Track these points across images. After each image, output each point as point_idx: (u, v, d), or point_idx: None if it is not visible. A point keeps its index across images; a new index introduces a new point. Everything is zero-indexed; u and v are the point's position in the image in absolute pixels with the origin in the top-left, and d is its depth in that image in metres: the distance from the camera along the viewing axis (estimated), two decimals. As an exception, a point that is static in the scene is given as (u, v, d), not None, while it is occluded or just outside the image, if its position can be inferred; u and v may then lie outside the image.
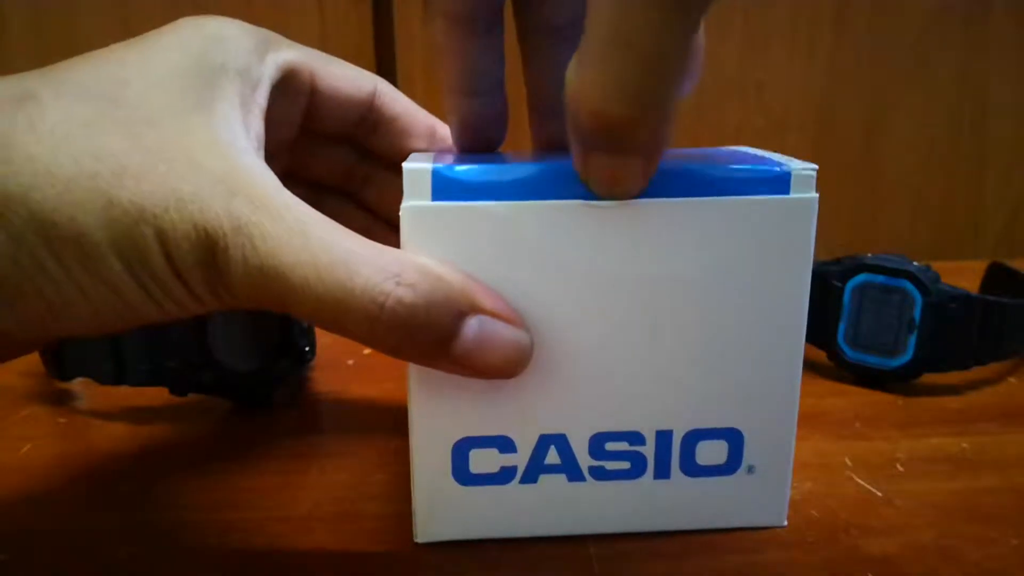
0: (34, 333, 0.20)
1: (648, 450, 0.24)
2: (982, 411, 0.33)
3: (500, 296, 0.21)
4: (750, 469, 0.24)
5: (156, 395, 0.31)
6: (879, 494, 0.27)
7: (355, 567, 0.23)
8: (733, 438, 0.24)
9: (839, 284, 0.35)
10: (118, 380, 0.31)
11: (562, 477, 0.24)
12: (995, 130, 0.57)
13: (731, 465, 0.24)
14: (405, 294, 0.19)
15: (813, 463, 0.29)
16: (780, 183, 0.22)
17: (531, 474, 0.24)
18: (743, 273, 0.23)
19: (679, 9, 0.16)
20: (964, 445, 0.30)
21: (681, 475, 0.24)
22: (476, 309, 0.20)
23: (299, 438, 0.31)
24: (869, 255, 0.35)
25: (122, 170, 0.18)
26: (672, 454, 0.24)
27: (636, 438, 0.24)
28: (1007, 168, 0.58)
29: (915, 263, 0.34)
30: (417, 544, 0.24)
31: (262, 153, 0.21)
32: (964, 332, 0.33)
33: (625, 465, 0.24)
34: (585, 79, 0.18)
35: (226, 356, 0.31)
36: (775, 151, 0.24)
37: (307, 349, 0.34)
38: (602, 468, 0.24)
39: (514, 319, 0.21)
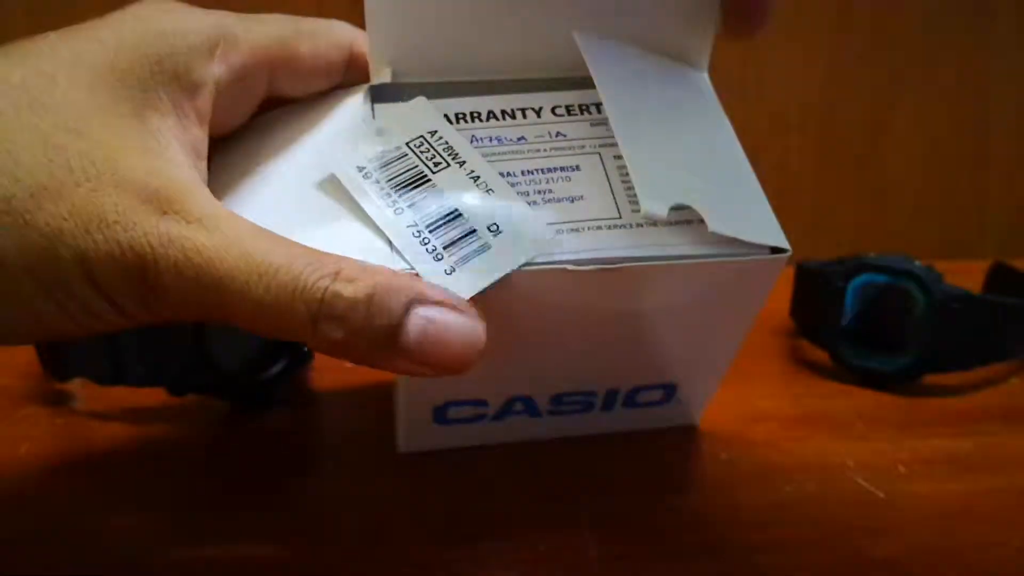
0: None
1: (598, 399, 0.28)
2: (985, 412, 0.33)
3: (448, 291, 0.20)
4: (679, 401, 0.29)
5: (154, 396, 0.31)
6: (881, 495, 0.27)
7: (357, 562, 0.23)
8: (669, 387, 0.28)
9: (841, 284, 0.34)
10: (116, 380, 0.31)
11: (524, 416, 0.28)
12: (997, 129, 0.57)
13: (665, 400, 0.29)
14: (345, 288, 0.18)
15: (815, 464, 0.28)
16: None
17: (498, 417, 0.28)
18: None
19: None
20: (967, 446, 0.30)
21: (623, 408, 0.28)
22: (422, 299, 0.19)
23: (298, 439, 0.31)
24: (871, 255, 0.35)
25: (40, 190, 0.18)
26: (617, 399, 0.28)
27: (590, 395, 0.28)
28: (1010, 168, 0.58)
29: (917, 263, 0.33)
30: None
31: (198, 163, 0.21)
32: (967, 332, 0.33)
33: (577, 407, 0.28)
34: None
35: (224, 357, 0.31)
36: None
37: (306, 349, 0.34)
38: (559, 410, 0.28)
39: (465, 307, 0.20)
